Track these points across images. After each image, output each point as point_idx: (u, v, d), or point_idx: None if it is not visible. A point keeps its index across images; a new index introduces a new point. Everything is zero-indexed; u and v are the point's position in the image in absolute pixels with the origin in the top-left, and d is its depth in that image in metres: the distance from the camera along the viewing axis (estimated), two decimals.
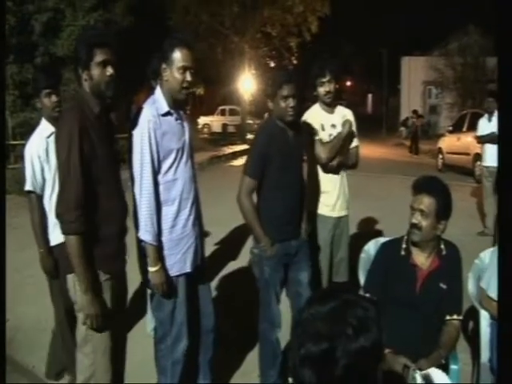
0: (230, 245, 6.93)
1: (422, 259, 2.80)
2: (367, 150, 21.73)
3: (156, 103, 2.85)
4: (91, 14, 13.52)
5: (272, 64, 31.59)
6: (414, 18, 42.69)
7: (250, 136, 27.19)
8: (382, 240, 3.35)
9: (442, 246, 2.82)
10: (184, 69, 2.82)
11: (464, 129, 15.31)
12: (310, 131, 3.99)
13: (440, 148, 17.07)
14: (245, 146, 24.76)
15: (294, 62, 29.80)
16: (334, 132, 4.07)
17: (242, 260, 6.22)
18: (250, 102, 30.81)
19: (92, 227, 2.58)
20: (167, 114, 2.86)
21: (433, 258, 2.79)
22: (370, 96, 60.68)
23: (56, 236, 3.20)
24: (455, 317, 2.79)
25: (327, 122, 4.09)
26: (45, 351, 3.86)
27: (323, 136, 4.04)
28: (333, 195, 4.10)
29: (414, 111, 26.41)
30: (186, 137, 2.98)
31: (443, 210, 2.71)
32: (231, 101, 33.37)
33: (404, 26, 43.05)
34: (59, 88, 3.50)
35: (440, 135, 21.07)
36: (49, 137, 3.37)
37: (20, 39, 12.89)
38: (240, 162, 19.82)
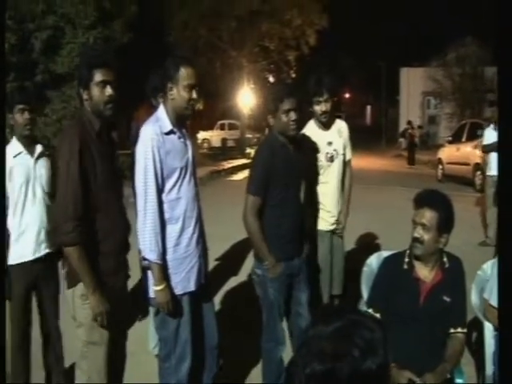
0: (231, 260, 6.91)
1: (424, 273, 2.79)
2: (366, 162, 21.82)
3: (159, 121, 2.86)
4: (91, 32, 13.56)
5: (271, 78, 31.76)
6: (411, 29, 42.92)
7: (249, 150, 27.27)
8: (384, 254, 3.33)
9: (445, 259, 2.82)
10: (190, 87, 2.84)
11: (463, 139, 15.36)
12: (311, 145, 3.99)
13: (440, 158, 17.06)
14: (244, 161, 24.79)
15: (293, 75, 29.95)
16: (331, 150, 4.07)
17: (243, 275, 6.21)
18: (249, 116, 30.91)
19: (91, 243, 2.62)
20: (170, 132, 2.86)
21: (436, 271, 2.79)
22: (368, 107, 60.89)
23: (14, 254, 3.31)
24: (459, 330, 2.77)
25: (323, 140, 4.07)
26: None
27: (320, 156, 4.04)
28: (329, 209, 4.10)
29: (409, 122, 26.54)
30: (189, 155, 2.99)
31: (445, 224, 2.70)
32: (230, 115, 33.47)
33: (402, 37, 43.29)
34: (34, 106, 3.45)
35: (439, 145, 21.13)
36: (15, 156, 3.35)
37: (20, 57, 12.95)
38: (240, 176, 19.81)
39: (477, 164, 13.84)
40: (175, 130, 2.89)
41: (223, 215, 8.71)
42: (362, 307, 3.08)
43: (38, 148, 3.45)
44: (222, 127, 35.63)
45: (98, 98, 2.66)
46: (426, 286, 2.77)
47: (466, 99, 30.72)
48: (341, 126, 4.22)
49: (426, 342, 2.73)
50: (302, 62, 29.13)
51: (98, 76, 2.63)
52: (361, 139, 23.42)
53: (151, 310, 3.22)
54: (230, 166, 22.35)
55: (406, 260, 2.82)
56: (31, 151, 3.40)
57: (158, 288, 2.80)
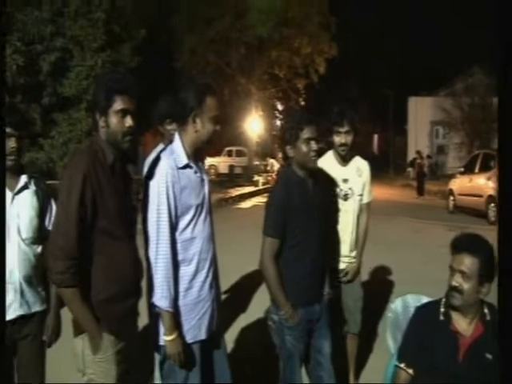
0: (240, 294, 6.55)
1: (463, 325, 2.49)
2: (375, 192, 21.20)
3: (174, 154, 2.58)
4: (99, 54, 13.50)
5: (279, 105, 31.79)
6: (420, 58, 43.17)
7: (256, 178, 27.10)
8: (410, 298, 3.10)
9: (486, 311, 2.50)
10: (216, 119, 2.60)
11: (476, 170, 15.10)
12: (329, 179, 3.70)
13: (451, 189, 16.81)
14: (252, 188, 24.67)
15: (302, 103, 29.96)
16: (346, 188, 3.79)
17: (253, 311, 5.85)
18: (256, 144, 30.85)
19: (96, 284, 2.36)
20: (186, 166, 2.59)
21: (476, 324, 2.48)
22: (375, 136, 60.92)
23: None
24: None
25: (339, 175, 3.79)
26: None
27: None
28: (342, 251, 3.83)
29: (418, 152, 26.34)
30: (206, 191, 2.70)
31: (487, 271, 2.40)
32: (238, 142, 33.41)
33: (410, 67, 43.52)
34: (22, 134, 2.88)
35: (448, 176, 20.90)
36: None
37: (28, 79, 12.87)
38: (248, 204, 19.62)
39: (490, 196, 13.58)
40: (191, 163, 2.61)
41: (231, 245, 8.39)
42: (391, 361, 2.76)
43: (22, 180, 2.84)
44: (229, 154, 35.50)
45: (116, 128, 2.38)
46: (466, 340, 2.46)
47: (475, 129, 30.66)
48: (360, 164, 3.94)
49: None
50: (311, 90, 29.16)
51: (119, 103, 2.37)
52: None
53: (156, 356, 2.89)
54: (237, 193, 22.09)
55: (442, 310, 2.52)
56: (12, 185, 2.79)
57: (169, 338, 2.51)
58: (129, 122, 2.40)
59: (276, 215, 2.96)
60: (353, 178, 3.83)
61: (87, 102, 13.42)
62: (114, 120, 2.38)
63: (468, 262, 2.40)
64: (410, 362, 2.52)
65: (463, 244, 2.47)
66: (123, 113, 2.38)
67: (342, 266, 3.83)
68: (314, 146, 2.95)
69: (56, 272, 2.28)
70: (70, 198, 2.27)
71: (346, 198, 3.81)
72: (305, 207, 2.98)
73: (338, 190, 3.78)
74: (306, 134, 2.95)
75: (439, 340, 2.48)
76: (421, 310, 2.66)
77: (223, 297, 6.26)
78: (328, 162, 3.78)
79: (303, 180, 3.02)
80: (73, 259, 2.27)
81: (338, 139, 3.74)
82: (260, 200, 20.98)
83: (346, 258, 3.85)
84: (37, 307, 2.86)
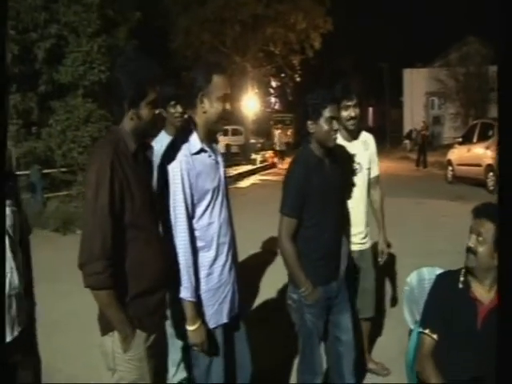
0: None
1: (482, 292, 2.57)
2: None
3: (187, 141, 2.55)
4: (94, 39, 13.34)
5: (273, 83, 31.63)
6: (414, 30, 42.87)
7: (254, 156, 27.05)
8: (425, 270, 3.16)
9: None
10: (224, 97, 2.57)
11: (474, 139, 15.14)
12: (346, 155, 3.69)
13: (449, 160, 16.86)
14: (250, 167, 24.59)
15: (298, 79, 29.81)
16: (355, 163, 3.75)
17: (255, 292, 5.85)
18: (252, 122, 30.70)
19: (126, 280, 2.26)
20: (200, 151, 2.57)
21: (495, 292, 2.56)
22: (370, 109, 60.67)
23: None
24: None
25: None
26: None
27: None
28: (354, 227, 3.76)
29: (424, 122, 25.88)
30: (221, 174, 2.68)
31: None
32: (234, 121, 33.28)
33: (404, 38, 43.24)
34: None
35: (445, 146, 20.89)
36: None
37: (23, 68, 12.80)
38: (246, 183, 19.59)
39: (489, 165, 13.65)
40: (205, 147, 2.59)
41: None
42: (412, 327, 2.86)
43: None
44: (225, 133, 35.28)
45: (147, 118, 2.28)
46: (484, 307, 2.55)
47: (471, 99, 30.58)
48: (367, 139, 3.89)
49: (478, 368, 2.50)
50: (306, 65, 29.00)
51: (151, 95, 2.29)
52: None
53: (177, 344, 2.92)
54: (235, 172, 22.04)
55: (462, 279, 2.62)
56: None
57: (192, 328, 2.49)
58: (157, 110, 2.35)
59: (294, 194, 2.97)
60: (360, 153, 3.77)
61: (84, 88, 13.36)
62: (145, 111, 2.29)
63: (485, 226, 2.50)
64: (434, 328, 2.59)
65: (484, 211, 2.56)
66: (155, 103, 2.31)
67: (356, 239, 3.77)
68: (335, 125, 2.97)
69: (95, 273, 2.13)
70: (101, 193, 2.15)
71: (354, 173, 3.78)
72: (323, 187, 2.99)
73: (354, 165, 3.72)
74: (328, 112, 2.95)
75: (458, 307, 2.56)
76: (441, 277, 2.75)
77: None
78: None
79: (321, 159, 3.04)
80: (109, 258, 2.15)
81: (346, 113, 3.62)
82: (258, 178, 21.01)
83: (359, 234, 3.81)
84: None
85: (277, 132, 32.57)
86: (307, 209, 2.98)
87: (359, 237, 3.81)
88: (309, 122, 3.00)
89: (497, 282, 2.58)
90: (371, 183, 3.93)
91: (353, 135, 3.79)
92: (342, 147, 3.59)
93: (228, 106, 2.59)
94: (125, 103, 2.28)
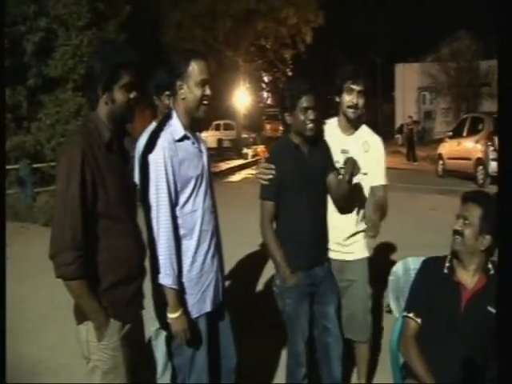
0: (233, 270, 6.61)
1: (466, 277, 2.61)
2: None
3: (170, 128, 2.56)
4: (84, 33, 13.30)
5: (265, 77, 31.63)
6: (405, 25, 42.93)
7: (245, 150, 27.05)
8: (410, 260, 3.16)
9: (490, 266, 2.63)
10: (203, 83, 2.56)
11: (464, 133, 15.21)
12: (327, 149, 3.47)
13: (440, 154, 16.97)
14: (241, 161, 24.60)
15: (289, 73, 29.81)
16: (342, 159, 3.14)
17: (244, 285, 5.83)
18: (244, 116, 30.69)
19: (100, 270, 2.25)
20: (183, 138, 2.57)
21: (479, 277, 2.60)
22: None
23: None
24: None
25: (338, 145, 3.31)
26: None
27: None
28: (343, 231, 3.34)
29: (410, 117, 26.30)
30: (205, 161, 2.68)
31: (488, 223, 2.54)
32: (226, 115, 33.24)
33: (396, 34, 43.28)
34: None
35: (436, 141, 20.99)
36: None
37: (12, 61, 12.70)
38: (238, 177, 19.58)
39: (478, 159, 13.73)
40: (188, 134, 2.59)
41: (222, 220, 8.38)
42: (397, 321, 2.87)
43: None
44: (217, 127, 35.30)
45: (121, 102, 2.28)
46: (467, 292, 2.59)
47: (462, 93, 30.70)
48: (370, 139, 3.42)
49: (461, 352, 2.51)
50: (298, 60, 29.01)
51: (125, 77, 2.26)
52: None
53: (158, 333, 2.91)
54: (227, 166, 22.07)
55: (447, 264, 2.67)
56: None
57: (174, 316, 2.50)
58: (134, 93, 2.32)
59: (270, 178, 3.03)
60: (355, 152, 3.23)
61: (73, 81, 13.27)
62: (119, 95, 2.27)
63: (471, 210, 2.56)
64: (419, 312, 2.63)
65: (471, 196, 2.65)
66: (129, 87, 2.29)
67: (332, 255, 3.31)
68: (310, 115, 2.98)
69: (64, 264, 2.13)
70: (71, 184, 2.15)
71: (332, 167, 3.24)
72: (299, 171, 3.03)
73: (334, 160, 3.25)
74: (303, 102, 2.97)
75: (442, 291, 2.60)
76: (427, 263, 2.80)
77: None
78: (329, 129, 3.38)
79: (298, 146, 3.08)
80: (79, 249, 2.15)
81: (348, 98, 3.28)
82: (249, 172, 21.01)
83: (345, 241, 3.36)
84: None
85: (268, 126, 32.59)
86: (285, 193, 3.04)
87: (347, 242, 3.37)
88: (285, 114, 3.05)
89: (482, 269, 2.62)
90: (371, 193, 3.39)
91: (353, 126, 3.40)
92: (324, 141, 3.31)
93: (208, 92, 2.58)
94: (98, 88, 2.27)
